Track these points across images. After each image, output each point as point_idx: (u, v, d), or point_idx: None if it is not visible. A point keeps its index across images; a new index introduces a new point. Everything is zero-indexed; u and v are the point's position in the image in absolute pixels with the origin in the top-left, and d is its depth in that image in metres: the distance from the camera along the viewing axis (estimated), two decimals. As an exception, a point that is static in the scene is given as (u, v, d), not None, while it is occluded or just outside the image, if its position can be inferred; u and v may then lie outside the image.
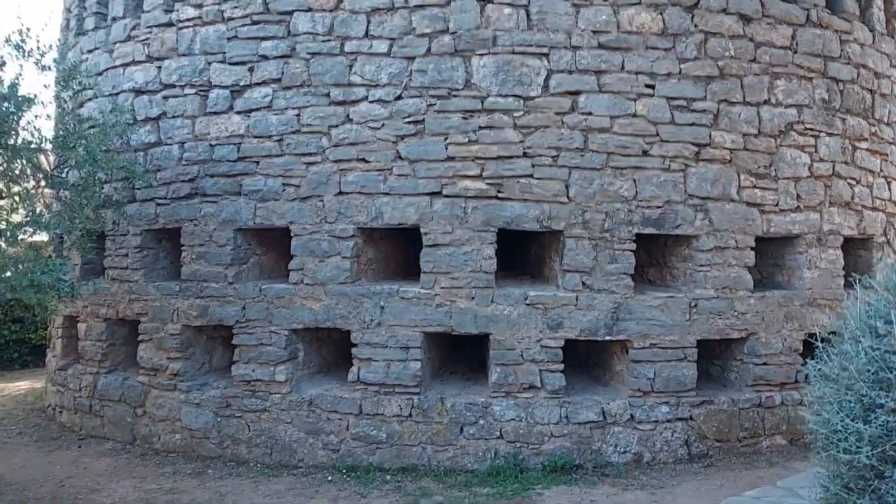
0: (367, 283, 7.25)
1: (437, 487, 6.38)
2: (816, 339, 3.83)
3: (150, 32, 8.12)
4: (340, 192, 7.16)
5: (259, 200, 7.39)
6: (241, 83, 7.51)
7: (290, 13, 7.37)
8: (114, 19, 8.57)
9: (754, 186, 7.42)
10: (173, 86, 7.91)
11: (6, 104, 5.64)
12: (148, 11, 8.12)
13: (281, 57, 7.37)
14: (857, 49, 8.23)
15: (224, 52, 7.59)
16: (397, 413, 6.93)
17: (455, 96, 7.03)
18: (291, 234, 7.29)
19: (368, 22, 7.18)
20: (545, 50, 7.02)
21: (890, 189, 8.70)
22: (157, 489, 6.47)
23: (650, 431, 6.97)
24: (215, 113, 7.63)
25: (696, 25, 7.26)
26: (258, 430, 7.24)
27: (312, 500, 6.13)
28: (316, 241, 7.19)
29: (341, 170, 7.18)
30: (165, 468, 7.14)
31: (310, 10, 7.31)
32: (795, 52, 7.71)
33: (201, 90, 7.70)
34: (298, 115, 7.30)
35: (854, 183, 8.11)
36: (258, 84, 7.45)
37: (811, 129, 7.76)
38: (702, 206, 7.20)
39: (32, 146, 5.75)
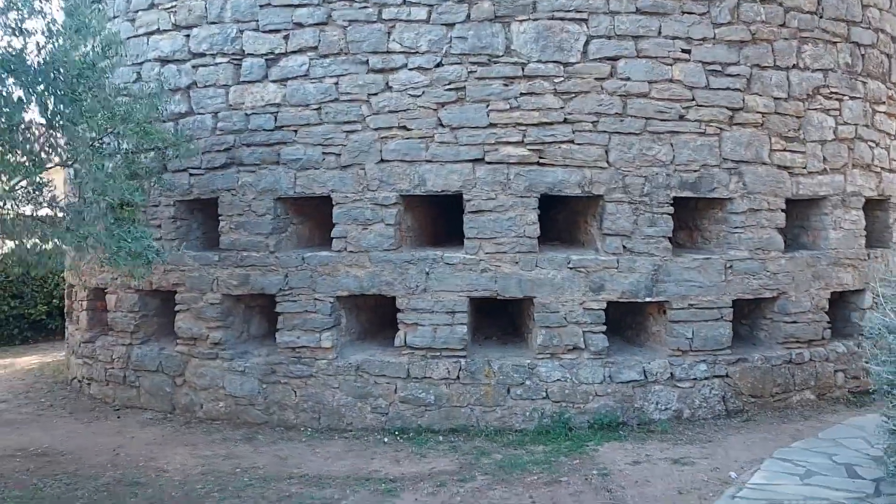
0: (411, 250, 7.33)
1: (491, 446, 6.55)
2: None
3: (175, 1, 8.01)
4: (382, 160, 7.20)
5: (299, 169, 7.40)
6: (276, 51, 7.47)
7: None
8: (134, -14, 8.43)
9: (784, 150, 7.61)
10: (203, 54, 7.83)
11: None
12: (172, -22, 8.00)
13: (317, 25, 7.33)
14: (876, 14, 8.41)
15: (257, 21, 7.53)
16: (445, 376, 7.07)
17: (496, 63, 7.08)
18: (333, 203, 7.33)
19: (407, -12, 7.17)
20: (584, 15, 7.09)
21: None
22: (212, 455, 6.55)
23: (689, 389, 7.20)
24: (250, 82, 7.59)
25: (728, -10, 7.37)
26: (305, 396, 7.34)
27: (374, 461, 6.27)
28: (359, 209, 7.24)
29: (382, 138, 7.21)
30: (213, 435, 7.22)
31: (348, -24, 7.27)
32: (821, 17, 7.87)
33: (234, 59, 7.64)
34: (337, 83, 7.29)
35: (874, 145, 8.35)
36: (294, 52, 7.42)
37: (836, 93, 7.95)
38: (736, 169, 7.37)
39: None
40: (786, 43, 7.62)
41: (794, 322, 7.64)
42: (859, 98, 8.17)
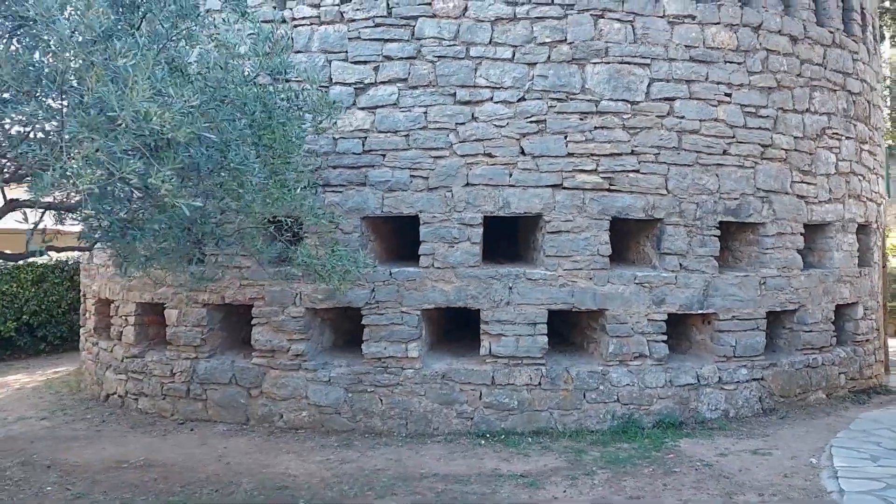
0: (495, 266, 8.00)
1: (580, 446, 7.25)
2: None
3: (251, 27, 8.37)
4: (468, 184, 7.84)
5: (386, 191, 7.93)
6: (365, 81, 8.00)
7: (415, 18, 7.95)
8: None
9: (802, 181, 8.80)
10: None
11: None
12: (256, 9, 8.38)
13: (406, 58, 7.93)
14: (861, 66, 9.83)
15: (346, 52, 8.04)
16: (527, 382, 7.74)
17: (572, 99, 7.90)
18: (421, 222, 7.89)
19: (492, 30, 7.89)
20: (647, 61, 8.03)
21: (878, 183, 10.40)
22: (326, 460, 6.93)
23: (733, 391, 8.18)
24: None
25: (760, 44, 8.51)
26: (391, 403, 7.82)
27: (484, 460, 6.85)
28: (446, 228, 7.84)
29: (468, 163, 7.86)
30: (307, 443, 7.57)
31: (435, 16, 7.92)
32: (826, 69, 9.17)
33: (321, 86, 8.09)
34: (425, 112, 7.90)
35: (862, 178, 9.72)
36: (383, 83, 7.97)
37: (837, 134, 9.25)
38: (766, 198, 8.48)
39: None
40: (801, 90, 8.85)
41: (810, 331, 8.81)
42: (852, 138, 9.52)
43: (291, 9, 8.25)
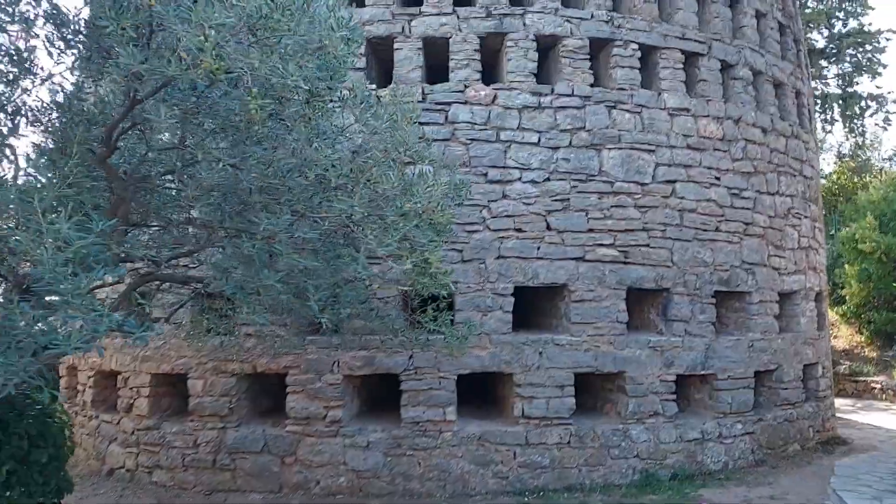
0: (526, 333, 8.58)
1: (613, 500, 7.84)
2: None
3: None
4: (500, 256, 8.47)
5: (423, 262, 8.42)
6: (402, 159, 8.55)
7: (449, 104, 8.62)
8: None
9: (775, 255, 9.96)
10: (319, 156, 8.67)
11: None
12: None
13: (442, 140, 8.56)
14: (811, 155, 11.27)
15: (384, 131, 8.58)
16: (557, 441, 8.30)
17: (591, 180, 8.74)
18: (457, 293, 8.41)
19: (520, 116, 8.67)
20: (653, 147, 9.02)
21: (823, 256, 11.79)
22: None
23: (731, 444, 9.03)
24: (373, 184, 8.55)
25: (740, 134, 9.71)
26: (430, 466, 8.17)
27: (537, 517, 7.32)
28: (480, 298, 8.39)
29: (500, 237, 8.50)
30: (353, 509, 7.80)
31: (467, 103, 8.63)
32: (788, 156, 10.49)
33: (359, 163, 8.57)
34: (460, 190, 8.51)
35: (816, 252, 11.04)
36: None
37: (798, 213, 10.54)
38: (751, 269, 9.55)
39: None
40: (772, 175, 10.09)
41: (787, 388, 9.85)
42: (808, 217, 10.85)
43: (329, 90, 8.73)
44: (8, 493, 4.69)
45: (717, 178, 9.42)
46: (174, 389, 9.27)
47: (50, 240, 2.53)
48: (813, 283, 10.77)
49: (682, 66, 9.43)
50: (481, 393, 9.91)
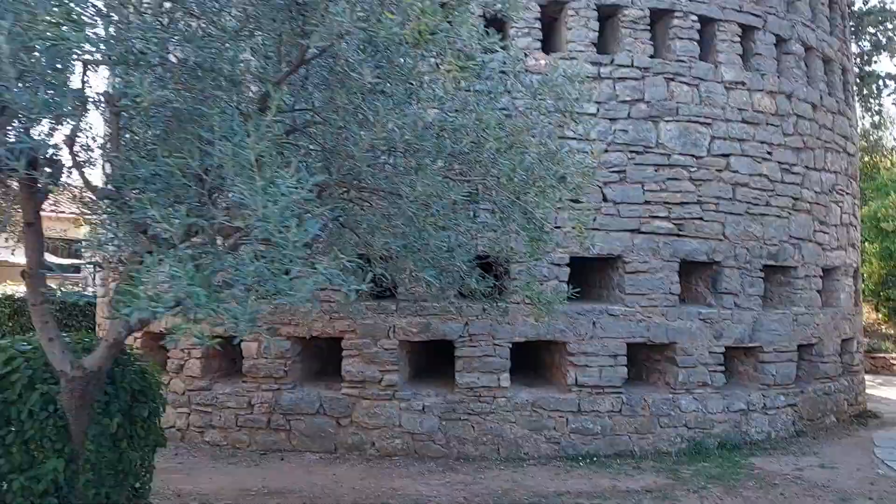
0: (580, 303, 8.67)
1: (665, 465, 8.00)
2: None
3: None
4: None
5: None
6: (462, 127, 8.55)
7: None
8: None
9: (820, 230, 10.04)
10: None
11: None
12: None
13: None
14: (853, 132, 11.30)
15: (443, 98, 8.57)
16: (609, 409, 8.44)
17: (648, 152, 8.77)
18: (512, 262, 8.46)
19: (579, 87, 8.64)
20: (709, 121, 9.04)
21: (859, 232, 11.89)
22: (445, 483, 7.32)
23: (774, 415, 9.20)
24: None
25: (792, 109, 9.72)
26: (484, 430, 8.31)
27: (592, 480, 7.46)
28: (537, 268, 8.46)
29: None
30: (409, 468, 7.92)
31: (527, 72, 8.60)
32: (834, 133, 10.52)
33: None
34: (518, 158, 8.53)
35: (854, 228, 11.13)
36: (478, 129, 8.54)
37: (842, 190, 10.61)
38: (797, 244, 9.64)
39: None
40: (820, 151, 10.13)
41: (826, 362, 10.00)
42: (850, 194, 10.92)
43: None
44: (118, 445, 4.78)
45: (769, 153, 9.45)
46: (223, 351, 9.33)
47: (271, 192, 2.58)
48: (852, 259, 10.88)
49: (738, 39, 9.41)
50: (526, 362, 10.02)
